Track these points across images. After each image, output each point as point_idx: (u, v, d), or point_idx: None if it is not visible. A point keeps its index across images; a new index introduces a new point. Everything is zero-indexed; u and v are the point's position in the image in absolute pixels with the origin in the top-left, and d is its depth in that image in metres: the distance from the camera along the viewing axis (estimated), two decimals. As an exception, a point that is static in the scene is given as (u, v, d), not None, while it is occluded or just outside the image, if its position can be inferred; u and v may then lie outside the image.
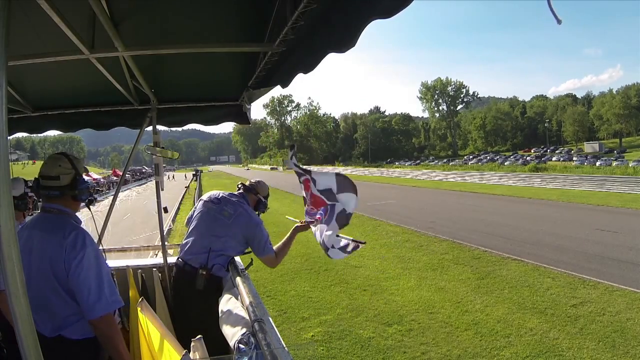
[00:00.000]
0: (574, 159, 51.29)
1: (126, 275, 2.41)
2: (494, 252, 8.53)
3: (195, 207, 2.49)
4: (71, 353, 1.45)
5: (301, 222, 2.60)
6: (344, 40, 1.10)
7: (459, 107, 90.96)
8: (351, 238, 2.28)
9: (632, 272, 6.77)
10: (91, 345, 1.48)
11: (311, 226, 2.52)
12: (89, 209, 1.75)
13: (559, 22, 0.68)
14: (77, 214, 1.66)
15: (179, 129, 3.03)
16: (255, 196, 2.53)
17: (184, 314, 2.30)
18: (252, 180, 2.62)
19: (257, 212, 2.53)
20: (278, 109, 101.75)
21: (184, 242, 2.37)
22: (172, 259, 2.60)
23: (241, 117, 2.80)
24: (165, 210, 2.84)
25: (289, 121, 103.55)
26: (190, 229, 2.38)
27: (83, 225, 1.64)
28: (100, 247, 1.81)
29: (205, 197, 2.50)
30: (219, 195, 2.45)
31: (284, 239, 2.51)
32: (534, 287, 6.29)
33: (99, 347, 1.49)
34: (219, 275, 2.22)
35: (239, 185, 2.60)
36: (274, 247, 2.42)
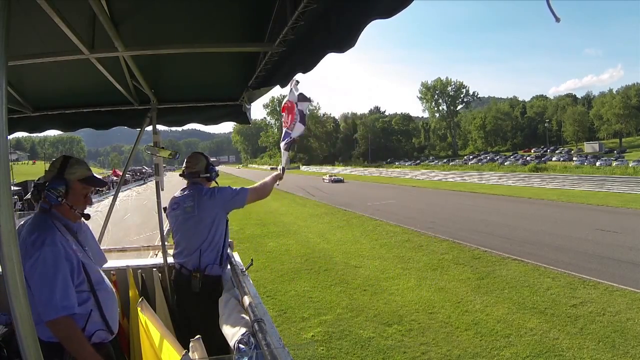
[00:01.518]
0: (574, 159, 51.28)
1: (126, 275, 2.41)
2: (494, 252, 8.53)
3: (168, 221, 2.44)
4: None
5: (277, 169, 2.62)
6: (344, 40, 1.10)
7: (459, 107, 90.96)
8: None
9: (632, 272, 6.77)
10: (59, 348, 1.44)
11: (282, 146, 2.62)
12: (83, 218, 1.69)
13: (557, 20, 0.68)
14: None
15: (179, 129, 3.03)
16: (198, 178, 2.38)
17: (184, 314, 2.31)
18: (185, 166, 2.42)
19: (212, 181, 2.45)
20: (278, 109, 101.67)
21: (174, 250, 2.37)
22: (172, 259, 2.59)
23: (241, 117, 2.80)
24: (165, 210, 2.83)
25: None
26: (174, 240, 2.37)
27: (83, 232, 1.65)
28: (101, 247, 1.81)
29: (167, 207, 2.43)
30: (173, 200, 2.39)
31: (266, 182, 2.46)
32: (534, 287, 6.29)
33: (63, 351, 1.45)
34: (213, 274, 2.22)
35: (183, 177, 2.48)
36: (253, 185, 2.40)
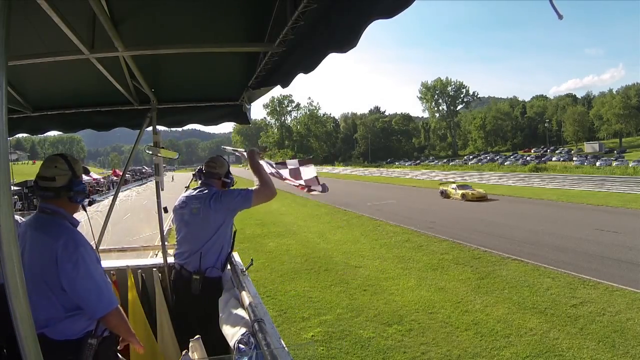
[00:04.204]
0: (574, 159, 51.21)
1: (126, 275, 2.41)
2: (494, 252, 8.53)
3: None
4: (50, 352, 1.43)
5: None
6: (345, 40, 1.09)
7: (459, 107, 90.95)
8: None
9: (632, 272, 6.77)
10: (71, 347, 1.46)
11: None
12: (85, 211, 1.72)
13: (560, 17, 0.68)
14: (76, 214, 1.66)
15: (179, 129, 3.03)
16: (219, 180, 2.39)
17: (183, 314, 2.30)
18: (206, 165, 2.42)
19: (227, 188, 2.43)
20: (278, 109, 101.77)
21: (176, 250, 2.36)
22: (172, 259, 2.59)
23: (241, 117, 2.80)
24: (165, 210, 2.82)
25: (289, 121, 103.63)
26: (177, 238, 2.36)
27: (80, 227, 1.63)
28: (101, 247, 1.80)
29: (175, 205, 2.42)
30: (183, 198, 2.37)
31: (254, 171, 2.37)
32: (534, 287, 6.29)
33: (79, 349, 1.48)
34: (213, 276, 2.21)
35: (198, 177, 2.44)
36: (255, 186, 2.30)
